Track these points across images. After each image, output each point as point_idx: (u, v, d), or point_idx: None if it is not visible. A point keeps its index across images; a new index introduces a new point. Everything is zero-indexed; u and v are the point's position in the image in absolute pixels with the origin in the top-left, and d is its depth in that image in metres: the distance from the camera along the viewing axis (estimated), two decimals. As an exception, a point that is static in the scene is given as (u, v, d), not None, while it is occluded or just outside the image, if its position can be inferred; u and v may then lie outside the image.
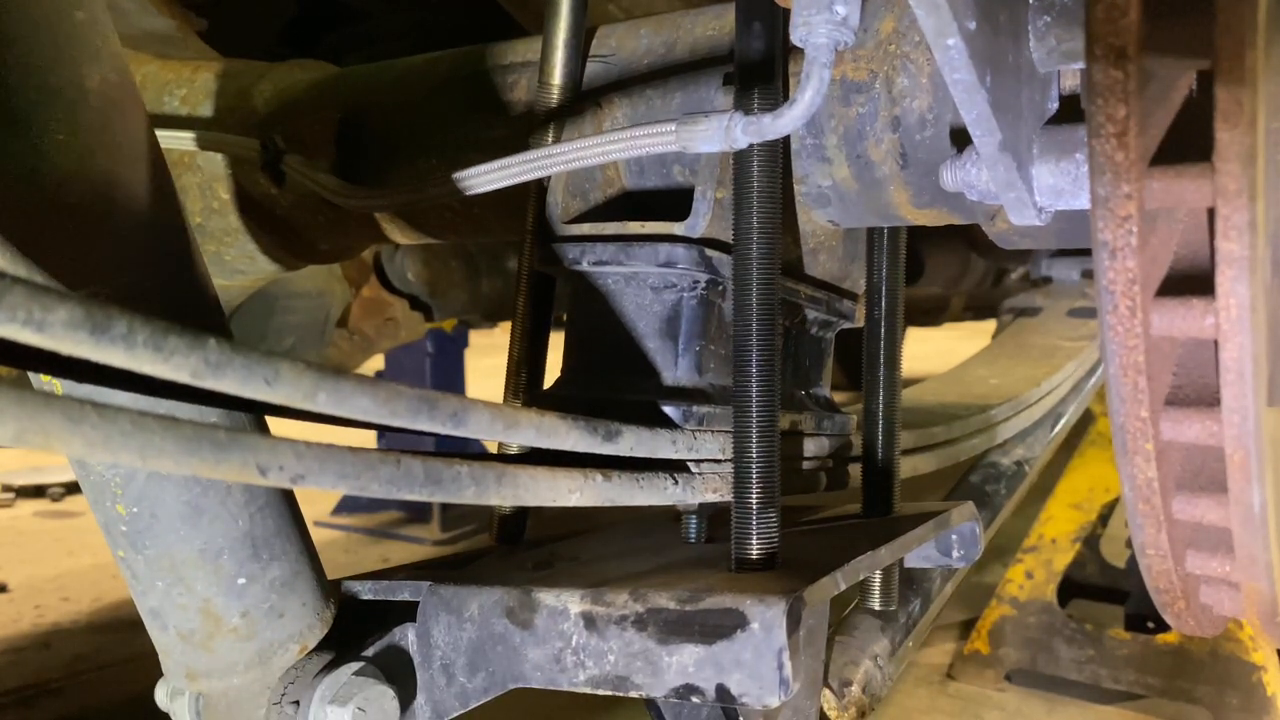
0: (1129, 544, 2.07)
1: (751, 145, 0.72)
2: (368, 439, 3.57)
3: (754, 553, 0.73)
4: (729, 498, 0.87)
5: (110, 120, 0.68)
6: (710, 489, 0.85)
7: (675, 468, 0.82)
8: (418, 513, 3.59)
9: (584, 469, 0.73)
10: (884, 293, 0.98)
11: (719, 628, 0.65)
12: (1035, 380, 1.98)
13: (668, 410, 0.83)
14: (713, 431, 0.84)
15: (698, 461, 0.83)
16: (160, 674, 0.76)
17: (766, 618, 0.63)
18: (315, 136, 1.19)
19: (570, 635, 0.70)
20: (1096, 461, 2.65)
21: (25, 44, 0.64)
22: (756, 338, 0.73)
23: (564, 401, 0.88)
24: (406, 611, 0.78)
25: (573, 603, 0.70)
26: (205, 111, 1.29)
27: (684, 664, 0.66)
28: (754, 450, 0.74)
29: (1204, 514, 0.57)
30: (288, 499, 0.74)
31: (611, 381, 0.88)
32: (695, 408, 0.84)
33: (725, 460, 0.85)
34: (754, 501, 0.73)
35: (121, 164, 0.68)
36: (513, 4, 1.26)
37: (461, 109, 1.09)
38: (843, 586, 0.72)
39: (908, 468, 1.40)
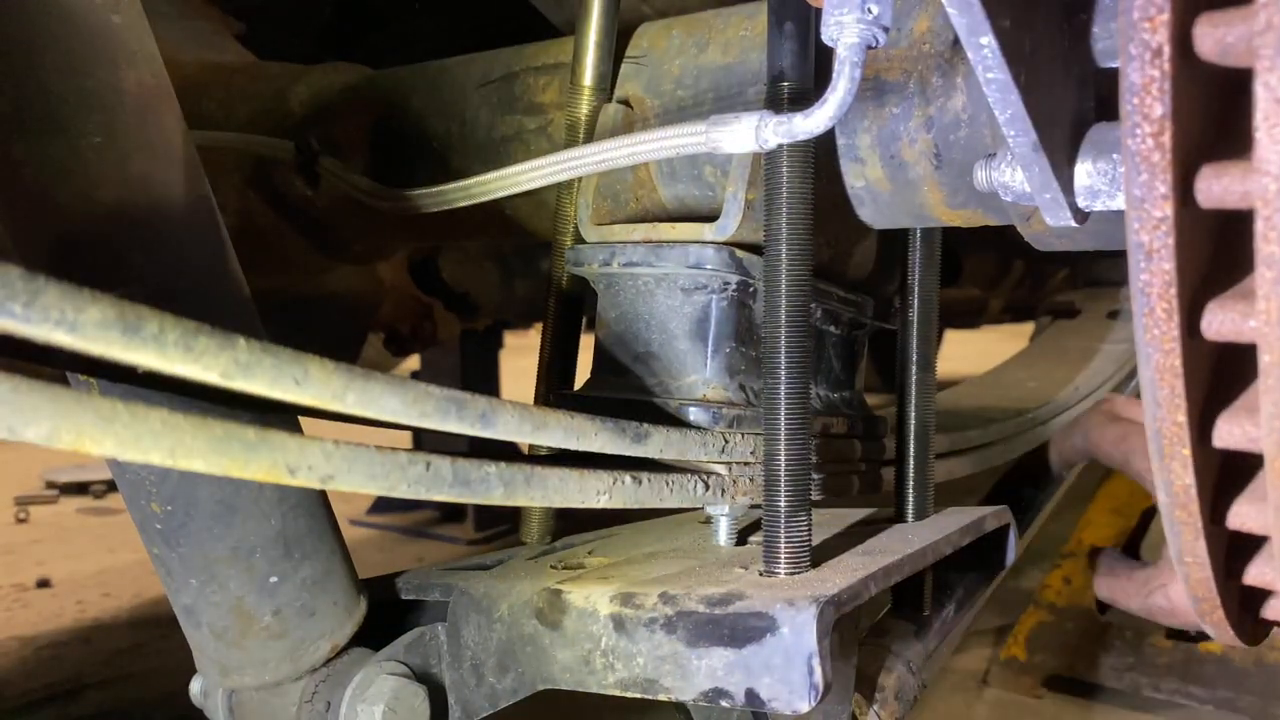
0: (1170, 550, 2.03)
1: (781, 145, 0.71)
2: (403, 438, 3.59)
3: (784, 556, 0.72)
4: (760, 500, 0.86)
5: (146, 123, 0.68)
6: (741, 491, 0.84)
7: (705, 470, 0.82)
8: (452, 512, 3.60)
9: (613, 470, 0.73)
10: (917, 294, 0.97)
11: (749, 631, 0.64)
12: (1073, 383, 1.95)
13: (697, 412, 0.83)
14: (743, 433, 0.84)
15: (728, 464, 0.83)
16: (194, 672, 0.77)
17: (796, 622, 0.62)
18: (350, 138, 1.20)
19: (599, 637, 0.69)
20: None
21: (63, 47, 0.64)
22: (786, 339, 0.72)
23: (593, 403, 0.87)
24: (438, 611, 0.78)
25: (602, 604, 0.70)
26: (242, 114, 1.30)
27: (713, 667, 0.65)
28: (784, 453, 0.73)
29: (1244, 521, 0.55)
30: (320, 498, 0.74)
31: (641, 383, 0.88)
32: (725, 409, 0.83)
33: (756, 463, 0.84)
34: (784, 505, 0.73)
35: (157, 166, 0.69)
36: (546, 6, 1.26)
37: (494, 110, 1.09)
38: (874, 591, 0.71)
39: (943, 471, 1.39)
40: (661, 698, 0.67)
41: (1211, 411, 0.53)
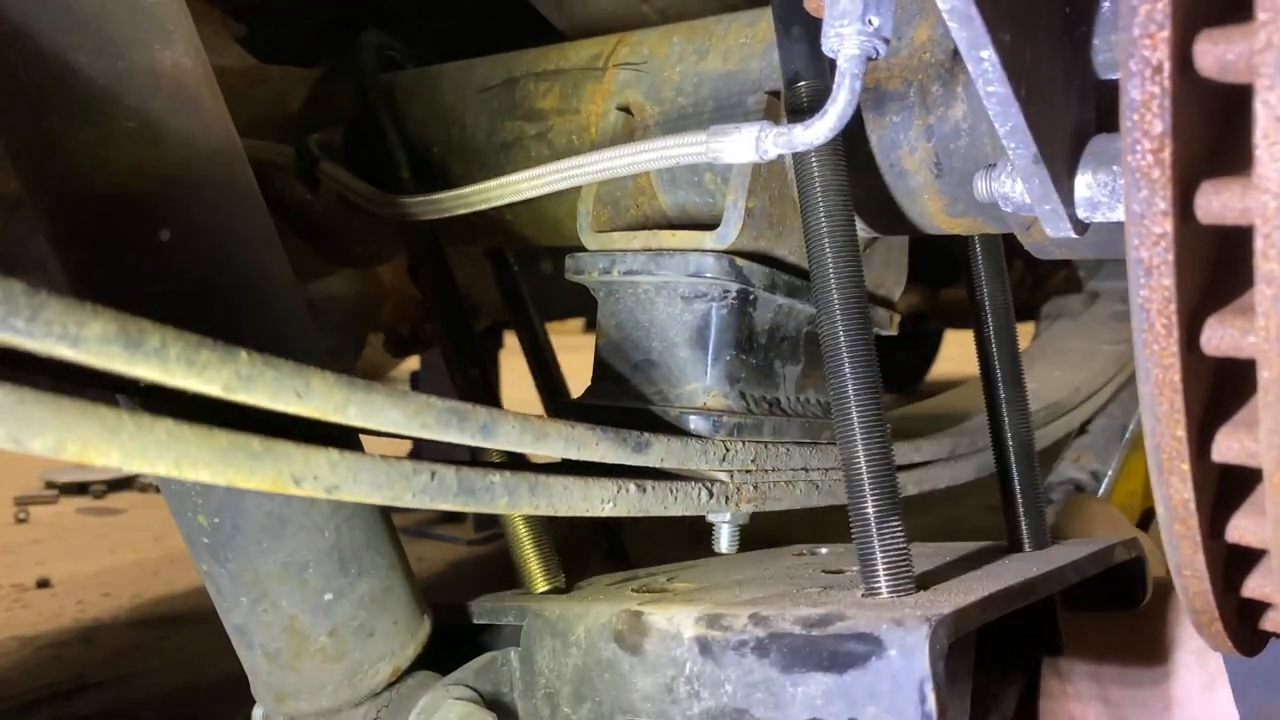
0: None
1: (810, 146, 0.70)
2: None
3: (884, 570, 0.68)
4: (764, 508, 0.86)
5: (183, 106, 0.65)
6: (745, 499, 0.84)
7: (709, 478, 0.82)
8: (452, 512, 3.60)
9: (617, 479, 0.73)
10: (989, 308, 0.93)
11: (851, 655, 0.59)
12: (1074, 385, 1.95)
13: (698, 420, 0.83)
14: (745, 441, 0.84)
15: (730, 472, 0.83)
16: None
17: (907, 643, 0.57)
18: (350, 143, 1.20)
19: (684, 662, 0.65)
20: (1138, 466, 2.61)
21: (96, 26, 0.61)
22: (844, 329, 0.70)
23: (594, 411, 0.88)
24: (509, 635, 0.75)
25: (686, 626, 0.66)
26: (242, 118, 1.30)
27: (811, 695, 0.60)
28: (862, 452, 0.68)
29: (1242, 535, 0.56)
30: (378, 508, 0.70)
31: (641, 391, 0.88)
32: (726, 418, 0.84)
33: (759, 470, 0.85)
34: (872, 510, 0.68)
35: (195, 152, 0.65)
36: (547, 8, 1.26)
37: (494, 116, 1.09)
38: (994, 615, 0.66)
39: (945, 477, 1.39)
40: None
41: (1210, 426, 0.53)
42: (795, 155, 0.72)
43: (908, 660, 0.57)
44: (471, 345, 1.04)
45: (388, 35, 1.27)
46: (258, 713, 0.73)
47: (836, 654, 0.60)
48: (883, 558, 0.68)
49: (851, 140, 0.87)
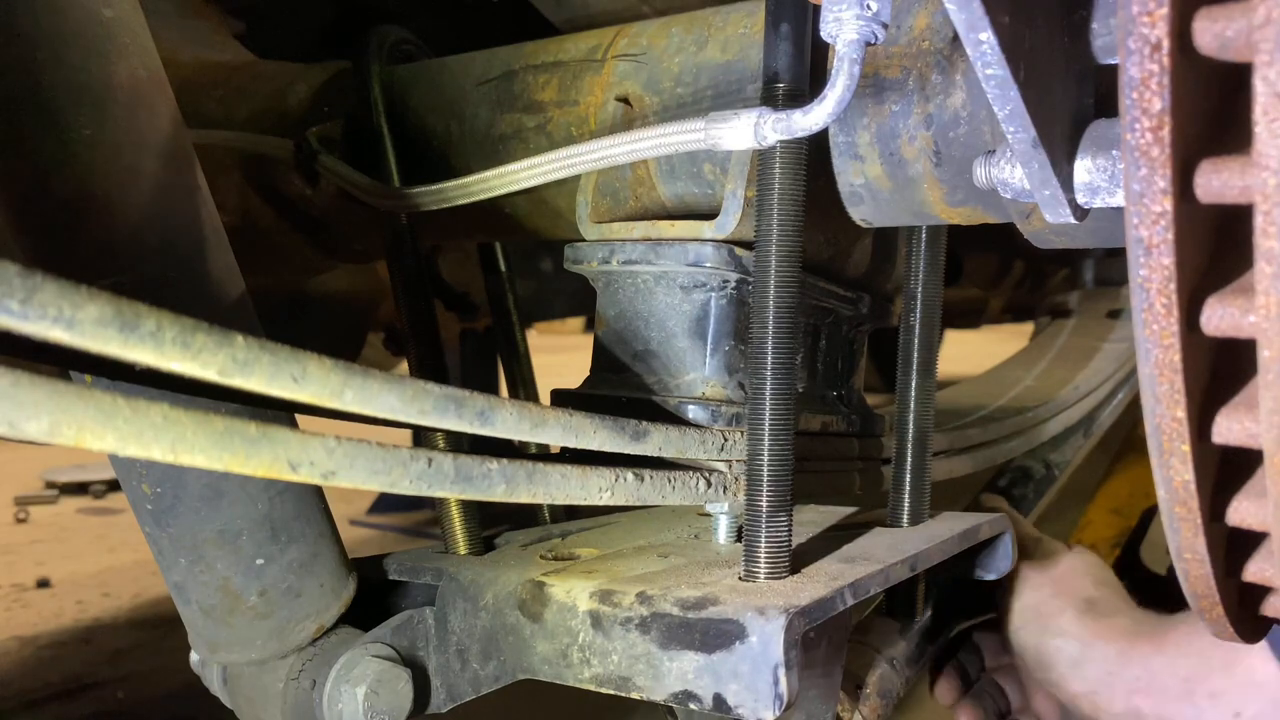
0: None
1: (775, 143, 0.71)
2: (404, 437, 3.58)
3: (763, 560, 0.73)
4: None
5: (137, 115, 0.70)
6: (743, 489, 0.84)
7: (707, 467, 0.82)
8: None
9: (615, 468, 0.73)
10: (920, 298, 0.95)
11: (719, 637, 0.65)
12: (1073, 382, 1.96)
13: (696, 410, 0.83)
14: (743, 431, 0.83)
15: (728, 462, 0.83)
16: (194, 672, 0.78)
17: (765, 632, 0.63)
18: (348, 136, 1.19)
19: (577, 632, 0.71)
20: (1137, 466, 2.61)
21: (54, 42, 0.66)
22: (774, 338, 0.72)
23: (593, 400, 0.87)
24: (427, 594, 0.80)
25: (581, 600, 0.71)
26: (241, 113, 1.30)
27: (683, 670, 0.66)
28: (767, 453, 0.73)
29: (1243, 518, 0.55)
30: (309, 484, 0.75)
31: (640, 381, 0.88)
32: (724, 407, 0.83)
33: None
34: (765, 506, 0.72)
35: (147, 157, 0.70)
36: (546, 5, 1.26)
37: (493, 109, 1.09)
38: (849, 603, 0.71)
39: (943, 471, 1.39)
40: (634, 696, 0.69)
41: (1211, 407, 0.53)
42: (760, 151, 0.73)
43: (765, 647, 0.63)
44: (439, 358, 1.06)
45: (405, 30, 1.27)
46: (195, 656, 0.79)
47: (707, 635, 0.65)
48: (765, 548, 0.72)
49: (850, 130, 0.87)
